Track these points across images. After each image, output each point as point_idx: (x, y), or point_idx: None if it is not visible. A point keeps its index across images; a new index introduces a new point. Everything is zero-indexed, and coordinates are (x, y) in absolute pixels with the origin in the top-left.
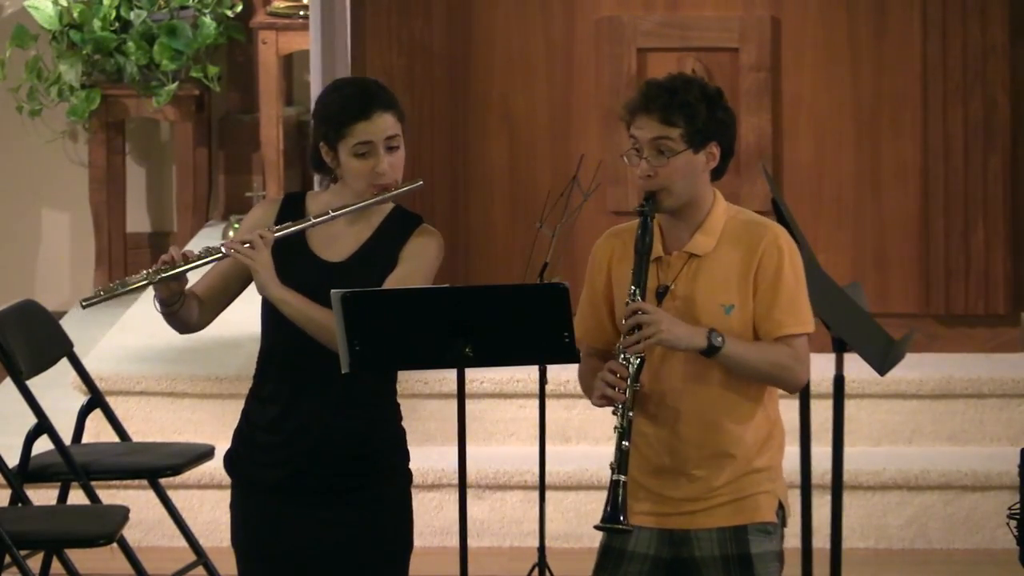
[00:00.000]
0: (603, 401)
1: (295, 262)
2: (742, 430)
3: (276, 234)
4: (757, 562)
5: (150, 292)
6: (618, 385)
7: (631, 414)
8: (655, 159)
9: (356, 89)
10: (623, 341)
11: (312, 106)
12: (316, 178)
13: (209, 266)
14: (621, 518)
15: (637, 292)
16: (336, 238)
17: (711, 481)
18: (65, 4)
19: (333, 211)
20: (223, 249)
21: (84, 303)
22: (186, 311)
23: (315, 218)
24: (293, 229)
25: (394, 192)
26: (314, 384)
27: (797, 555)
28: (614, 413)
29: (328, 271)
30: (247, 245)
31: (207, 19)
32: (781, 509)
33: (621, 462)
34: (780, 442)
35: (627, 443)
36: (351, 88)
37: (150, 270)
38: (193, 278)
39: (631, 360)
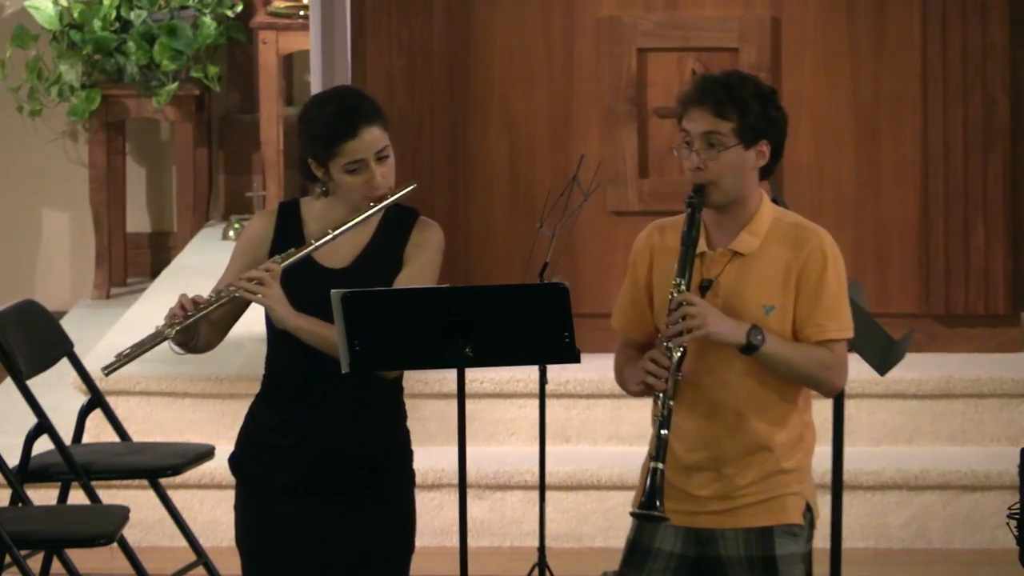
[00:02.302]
0: (641, 387)
1: (299, 273)
2: (775, 429)
3: (283, 264)
4: (782, 564)
5: (152, 296)
6: (660, 374)
7: (671, 403)
8: (705, 152)
9: (340, 106)
10: (666, 331)
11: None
12: None
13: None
14: (657, 504)
15: (683, 284)
16: (337, 245)
17: (738, 479)
18: (65, 4)
19: (333, 231)
20: (232, 291)
21: (106, 371)
22: (199, 341)
23: (316, 241)
24: (298, 256)
25: (390, 200)
26: (324, 387)
27: None
28: (655, 402)
29: (332, 278)
30: (255, 282)
31: (207, 19)
32: (809, 511)
33: (660, 450)
34: (811, 444)
35: (666, 431)
36: (334, 105)
37: (163, 325)
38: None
39: (673, 350)
